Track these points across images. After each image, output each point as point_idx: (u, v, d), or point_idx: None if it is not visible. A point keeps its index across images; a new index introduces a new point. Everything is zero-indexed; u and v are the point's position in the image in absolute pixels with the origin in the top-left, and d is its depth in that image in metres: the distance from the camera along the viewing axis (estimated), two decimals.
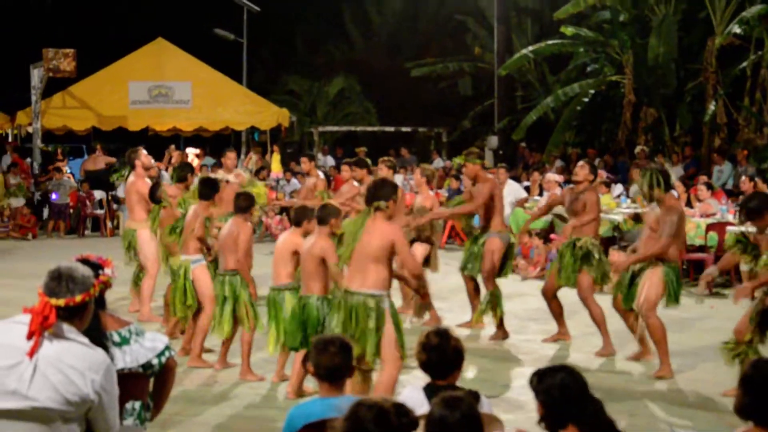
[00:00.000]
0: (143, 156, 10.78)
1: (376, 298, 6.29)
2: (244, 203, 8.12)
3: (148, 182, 10.61)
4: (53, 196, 19.90)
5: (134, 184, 10.66)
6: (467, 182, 18.77)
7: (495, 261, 9.68)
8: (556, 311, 9.49)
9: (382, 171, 10.78)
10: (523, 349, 9.32)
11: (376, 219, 6.38)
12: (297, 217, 7.78)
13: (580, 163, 9.69)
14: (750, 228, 7.25)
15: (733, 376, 7.21)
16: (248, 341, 8.07)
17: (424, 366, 4.42)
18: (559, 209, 11.03)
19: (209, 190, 8.75)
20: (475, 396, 4.33)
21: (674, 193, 8.64)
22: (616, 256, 8.59)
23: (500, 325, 9.68)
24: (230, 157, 12.87)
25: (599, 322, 8.99)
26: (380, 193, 6.43)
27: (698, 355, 8.86)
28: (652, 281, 8.04)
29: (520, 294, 11.94)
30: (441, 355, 4.39)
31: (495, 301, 9.59)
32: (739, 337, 7.25)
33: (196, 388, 7.80)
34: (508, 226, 15.08)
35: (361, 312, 6.28)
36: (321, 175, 13.40)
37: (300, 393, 7.31)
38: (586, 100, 22.79)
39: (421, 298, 9.14)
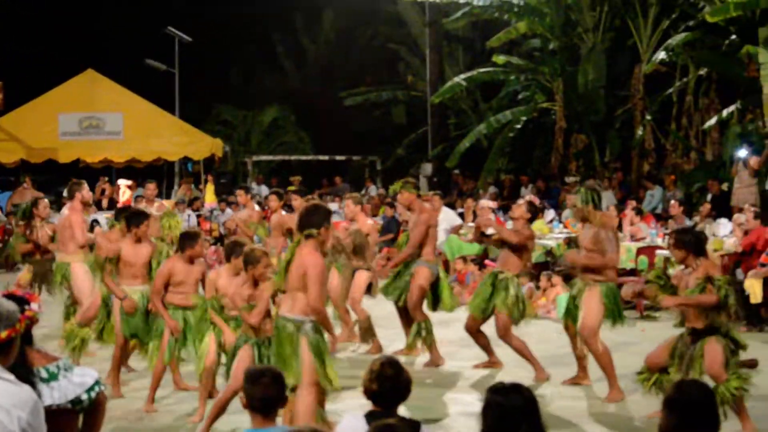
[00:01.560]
0: (85, 191, 10.53)
1: (296, 324, 6.30)
2: (182, 243, 8.04)
3: (85, 218, 10.44)
4: None
5: (68, 218, 10.39)
6: (401, 210, 18.90)
7: (423, 290, 9.69)
8: (483, 343, 9.45)
9: (349, 207, 10.67)
10: (459, 375, 9.33)
11: (303, 247, 6.36)
12: (227, 251, 7.78)
13: (519, 201, 9.76)
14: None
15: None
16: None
17: (374, 395, 4.39)
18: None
19: (131, 222, 8.65)
20: (415, 425, 4.33)
21: (612, 212, 8.69)
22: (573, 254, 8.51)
23: (433, 351, 9.69)
24: (150, 188, 12.73)
25: (522, 352, 9.00)
26: (312, 220, 6.40)
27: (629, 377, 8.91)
28: (589, 306, 8.05)
29: (456, 320, 11.96)
30: (394, 386, 4.39)
31: (424, 331, 9.59)
32: (650, 366, 7.32)
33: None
34: (442, 254, 15.19)
35: (283, 337, 6.30)
36: (256, 207, 13.35)
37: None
38: (518, 126, 23.06)
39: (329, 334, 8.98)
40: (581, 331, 8.08)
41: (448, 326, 11.10)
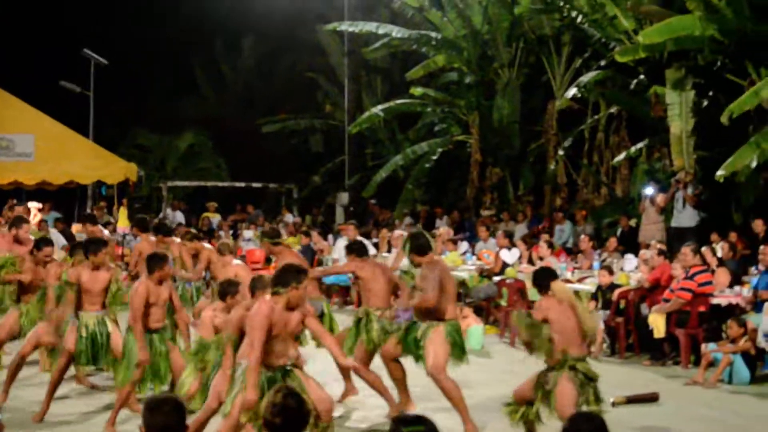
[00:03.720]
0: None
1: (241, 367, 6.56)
2: (150, 265, 8.25)
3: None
4: None
5: None
6: (317, 239, 18.92)
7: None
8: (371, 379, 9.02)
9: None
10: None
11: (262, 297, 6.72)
12: (221, 291, 8.04)
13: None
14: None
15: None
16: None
17: (277, 428, 4.35)
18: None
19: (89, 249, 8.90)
20: None
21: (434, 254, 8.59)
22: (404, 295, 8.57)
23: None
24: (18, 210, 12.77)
25: (375, 386, 8.80)
26: (282, 279, 6.64)
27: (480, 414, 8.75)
28: (435, 343, 8.01)
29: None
30: (297, 417, 4.38)
31: None
32: (518, 398, 7.39)
33: None
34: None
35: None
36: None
37: None
38: (435, 158, 23.30)
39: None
40: (431, 370, 8.01)
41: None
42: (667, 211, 16.29)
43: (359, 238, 16.10)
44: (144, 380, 8.23)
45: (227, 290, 7.83)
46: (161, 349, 8.26)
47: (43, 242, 9.88)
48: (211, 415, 6.99)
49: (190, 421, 7.27)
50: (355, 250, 9.27)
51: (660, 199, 16.29)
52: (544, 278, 7.46)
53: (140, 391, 8.39)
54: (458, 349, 8.13)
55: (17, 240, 10.72)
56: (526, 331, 7.33)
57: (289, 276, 6.66)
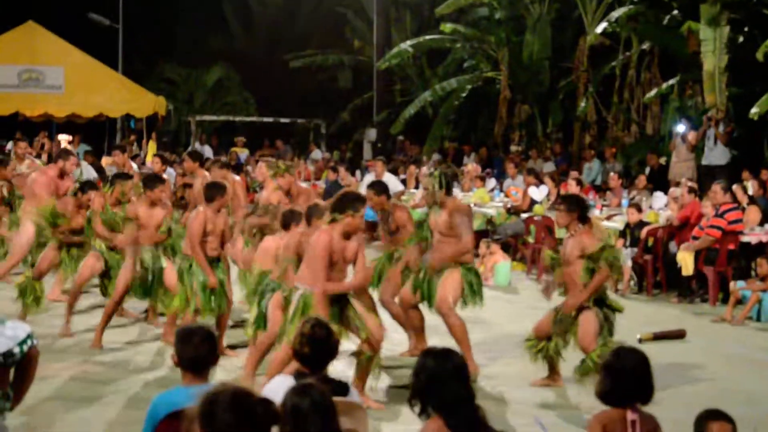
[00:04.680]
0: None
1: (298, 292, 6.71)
2: (209, 193, 8.33)
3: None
4: None
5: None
6: (344, 174, 18.91)
7: None
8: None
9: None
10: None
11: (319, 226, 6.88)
12: (284, 220, 7.85)
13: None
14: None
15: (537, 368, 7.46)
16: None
17: (305, 358, 4.43)
18: None
19: (146, 186, 9.07)
20: (344, 386, 4.42)
21: (457, 195, 8.36)
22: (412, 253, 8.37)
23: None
24: (21, 146, 12.75)
25: (398, 319, 8.76)
26: (340, 206, 6.72)
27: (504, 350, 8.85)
28: (448, 282, 7.91)
29: None
30: (325, 347, 4.45)
31: None
32: (537, 334, 7.44)
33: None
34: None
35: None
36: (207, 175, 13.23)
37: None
38: (464, 95, 23.15)
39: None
40: (438, 305, 7.93)
41: None
42: (698, 149, 16.15)
43: (387, 174, 16.12)
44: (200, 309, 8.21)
45: (293, 218, 7.73)
46: (220, 278, 8.27)
47: (88, 186, 9.81)
48: (271, 343, 7.07)
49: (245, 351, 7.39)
50: (377, 188, 9.13)
51: (691, 136, 16.14)
52: (586, 209, 7.47)
53: (203, 316, 8.30)
54: (474, 292, 8.03)
55: (62, 173, 10.74)
56: (557, 271, 7.35)
57: (346, 203, 6.70)
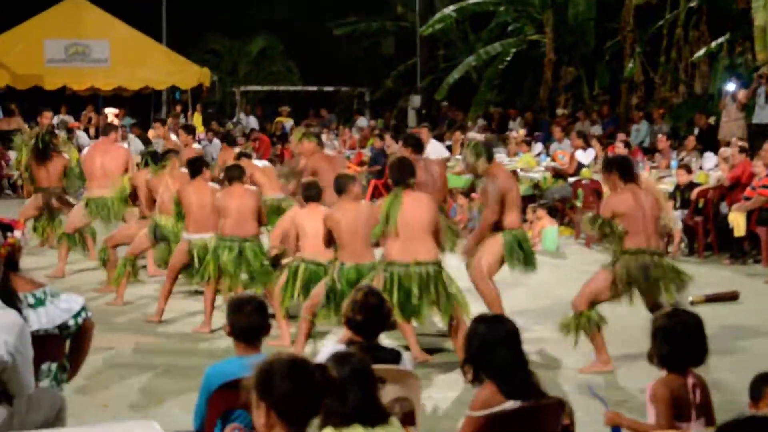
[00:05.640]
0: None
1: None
2: (235, 173, 8.35)
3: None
4: None
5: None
6: (390, 142, 18.87)
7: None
8: None
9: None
10: None
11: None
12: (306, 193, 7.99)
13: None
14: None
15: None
16: None
17: (358, 326, 4.43)
18: None
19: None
20: (396, 354, 4.42)
21: (503, 161, 8.17)
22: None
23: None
24: (46, 116, 12.85)
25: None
26: (395, 175, 6.99)
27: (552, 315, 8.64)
28: (486, 250, 7.79)
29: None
30: (377, 315, 4.45)
31: None
32: (576, 307, 7.20)
33: None
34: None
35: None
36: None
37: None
38: (508, 59, 22.93)
39: None
40: (471, 273, 7.84)
41: None
42: (748, 108, 15.87)
43: (432, 140, 16.04)
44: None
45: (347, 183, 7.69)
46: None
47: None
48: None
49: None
50: (411, 144, 9.13)
51: (741, 95, 15.85)
52: (630, 167, 7.43)
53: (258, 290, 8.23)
54: (521, 258, 7.87)
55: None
56: (598, 231, 7.26)
57: (403, 172, 6.92)
